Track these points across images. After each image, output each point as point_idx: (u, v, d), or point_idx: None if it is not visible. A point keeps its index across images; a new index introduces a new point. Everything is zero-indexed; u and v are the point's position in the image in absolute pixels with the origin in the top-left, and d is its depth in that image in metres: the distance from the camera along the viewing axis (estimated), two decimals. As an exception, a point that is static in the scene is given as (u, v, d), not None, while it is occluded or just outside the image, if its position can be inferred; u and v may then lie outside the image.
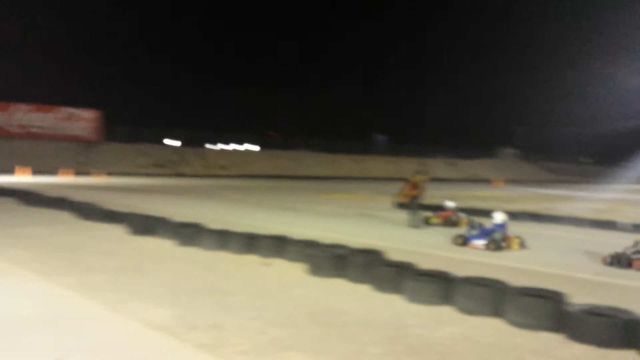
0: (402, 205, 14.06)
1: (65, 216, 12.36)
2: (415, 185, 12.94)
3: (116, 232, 10.17)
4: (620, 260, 8.36)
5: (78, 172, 36.26)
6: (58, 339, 4.37)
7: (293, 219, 13.85)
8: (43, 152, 40.16)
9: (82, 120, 44.77)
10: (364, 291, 6.29)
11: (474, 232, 10.00)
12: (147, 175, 39.90)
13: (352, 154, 59.63)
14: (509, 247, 9.70)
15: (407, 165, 51.28)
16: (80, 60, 63.75)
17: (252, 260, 7.87)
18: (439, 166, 59.98)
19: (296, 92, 77.87)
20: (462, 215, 13.39)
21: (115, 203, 14.40)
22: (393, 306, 5.73)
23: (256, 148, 58.77)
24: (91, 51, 67.58)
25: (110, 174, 37.30)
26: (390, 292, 6.12)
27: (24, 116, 42.06)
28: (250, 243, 8.33)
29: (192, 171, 45.35)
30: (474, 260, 8.50)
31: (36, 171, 34.51)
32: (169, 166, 45.52)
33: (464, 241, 9.86)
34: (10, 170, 33.64)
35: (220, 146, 56.37)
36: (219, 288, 6.27)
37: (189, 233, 9.03)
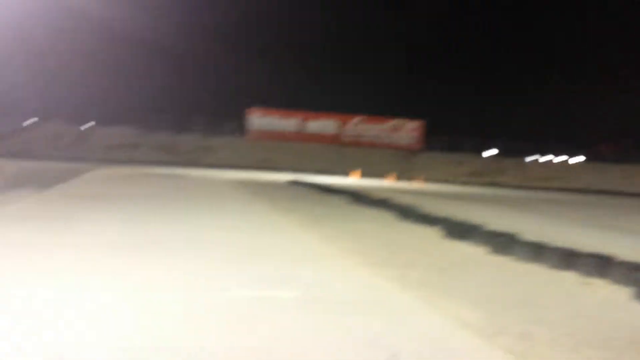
0: None
1: (386, 216, 13.52)
2: None
3: (430, 234, 10.70)
4: None
5: (399, 177, 39.15)
6: (374, 323, 4.84)
7: (617, 239, 12.35)
8: (370, 158, 44.61)
9: (406, 131, 48.32)
10: None
11: None
12: (463, 183, 40.57)
13: None
14: None
15: None
16: (405, 75, 68.71)
17: (568, 277, 7.37)
18: None
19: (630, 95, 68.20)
20: None
21: (430, 207, 15.09)
22: None
23: (581, 159, 54.02)
24: (418, 67, 72.12)
25: (428, 180, 39.16)
26: None
27: (357, 127, 47.53)
28: (568, 259, 7.79)
29: (508, 181, 44.34)
30: None
31: (364, 175, 38.61)
32: (486, 175, 45.43)
33: None
34: (342, 173, 38.50)
35: (541, 157, 53.65)
36: (531, 299, 6.08)
37: (502, 242, 8.93)
